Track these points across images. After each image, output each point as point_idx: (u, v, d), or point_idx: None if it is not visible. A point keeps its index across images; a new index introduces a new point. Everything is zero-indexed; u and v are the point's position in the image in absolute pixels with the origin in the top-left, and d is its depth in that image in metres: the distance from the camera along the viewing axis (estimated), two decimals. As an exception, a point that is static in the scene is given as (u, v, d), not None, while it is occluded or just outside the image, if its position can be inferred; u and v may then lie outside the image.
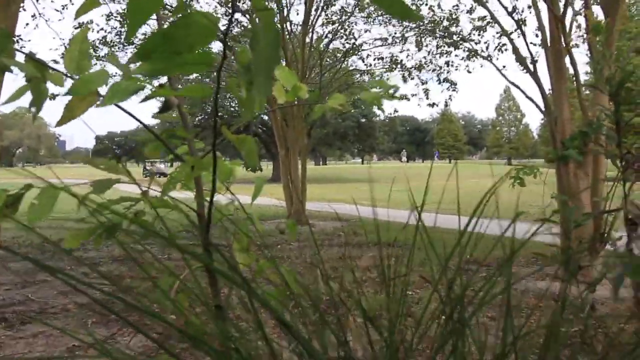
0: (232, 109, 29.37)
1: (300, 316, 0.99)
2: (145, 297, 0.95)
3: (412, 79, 12.03)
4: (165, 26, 0.58)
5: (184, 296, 0.84)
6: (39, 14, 10.32)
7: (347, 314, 0.98)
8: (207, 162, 0.89)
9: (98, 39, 11.38)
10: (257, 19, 0.52)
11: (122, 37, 11.06)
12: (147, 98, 0.73)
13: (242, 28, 10.80)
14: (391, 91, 1.25)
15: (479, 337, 0.93)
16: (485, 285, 0.86)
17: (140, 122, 0.93)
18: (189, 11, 0.56)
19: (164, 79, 0.93)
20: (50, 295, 5.01)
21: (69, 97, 0.77)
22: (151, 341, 0.87)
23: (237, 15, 10.39)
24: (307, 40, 11.34)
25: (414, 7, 10.32)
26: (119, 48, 11.50)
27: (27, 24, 10.81)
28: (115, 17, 11.06)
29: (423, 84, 12.11)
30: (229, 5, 10.59)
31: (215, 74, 0.70)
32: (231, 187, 1.17)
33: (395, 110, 25.63)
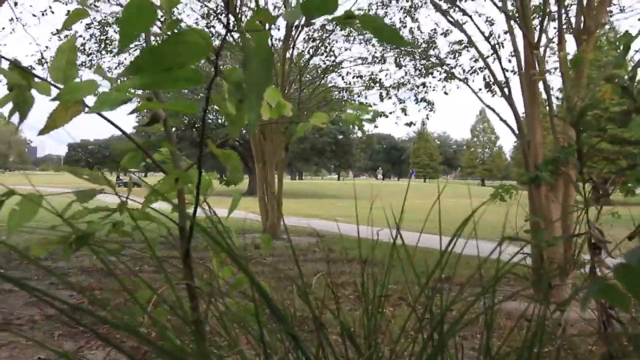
0: (209, 121, 29.24)
1: (277, 332, 0.99)
2: (117, 310, 0.94)
3: (390, 98, 12.20)
4: (155, 40, 0.59)
5: (162, 311, 0.83)
6: (17, 18, 10.15)
7: (324, 330, 0.98)
8: (190, 175, 0.89)
9: (77, 47, 11.22)
10: (249, 39, 0.53)
11: (101, 45, 10.94)
12: (135, 110, 0.73)
13: (227, 42, 10.80)
14: (370, 116, 1.27)
15: (456, 357, 0.95)
16: (467, 307, 0.87)
17: (124, 133, 0.93)
18: (180, 27, 0.57)
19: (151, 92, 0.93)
20: (16, 305, 4.86)
21: (46, 105, 0.77)
22: (123, 354, 0.86)
23: (222, 31, 10.40)
24: (288, 55, 11.41)
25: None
26: (96, 56, 11.38)
27: (3, 28, 10.62)
28: (95, 25, 10.96)
29: (400, 102, 12.29)
30: (210, 18, 10.60)
31: (205, 89, 0.71)
32: (214, 202, 1.17)
33: (375, 126, 25.83)
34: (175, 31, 0.57)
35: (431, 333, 0.81)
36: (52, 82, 0.74)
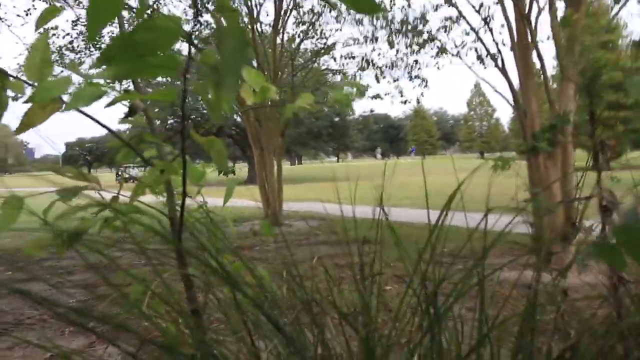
0: (204, 111, 29.12)
1: (278, 316, 0.99)
2: (118, 305, 0.93)
3: (384, 77, 12.12)
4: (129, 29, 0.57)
5: (158, 302, 0.83)
6: (1, 19, 10.03)
7: (324, 313, 0.98)
8: (176, 166, 0.88)
9: (64, 45, 11.12)
10: (222, 20, 0.51)
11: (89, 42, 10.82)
12: (111, 103, 0.71)
13: (212, 30, 10.72)
14: (356, 91, 1.25)
15: (455, 329, 0.95)
16: (461, 278, 0.87)
17: (106, 128, 0.91)
18: (151, 13, 0.56)
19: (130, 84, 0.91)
20: (23, 305, 4.89)
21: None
22: (124, 352, 0.86)
23: (207, 17, 10.30)
24: (278, 41, 11.31)
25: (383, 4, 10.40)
26: (85, 54, 11.27)
27: (-12, 29, 10.50)
28: (82, 22, 10.82)
29: (395, 81, 12.21)
30: (198, 6, 10.47)
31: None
32: (206, 191, 1.16)
33: (372, 110, 25.58)
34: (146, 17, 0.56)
35: (426, 307, 0.81)
36: (27, 81, 0.73)
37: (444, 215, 0.94)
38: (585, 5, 5.75)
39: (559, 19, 5.71)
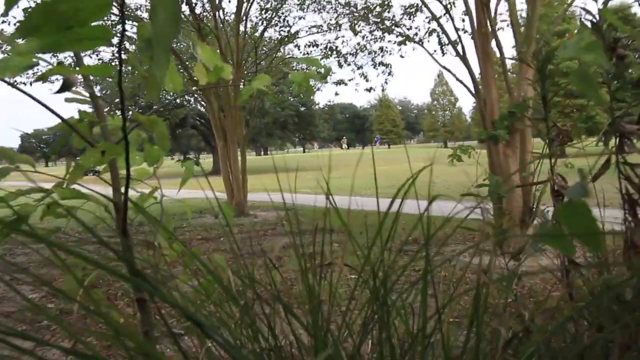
0: (167, 99, 28.50)
1: (226, 307, 0.97)
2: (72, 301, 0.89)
3: (348, 64, 12.12)
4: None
5: (99, 292, 0.79)
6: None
7: (274, 305, 0.96)
8: (122, 147, 0.84)
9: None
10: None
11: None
12: (42, 76, 0.67)
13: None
14: (323, 71, 1.23)
15: (407, 315, 0.94)
16: (407, 264, 0.86)
17: (50, 110, 0.86)
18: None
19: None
20: (-27, 304, 4.69)
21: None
22: (65, 353, 0.81)
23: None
24: (241, 29, 11.14)
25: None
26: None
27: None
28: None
29: (359, 68, 12.23)
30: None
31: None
32: (173, 184, 1.12)
33: (336, 93, 25.68)
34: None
35: (375, 296, 0.80)
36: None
37: (397, 203, 0.92)
38: (543, -4, 5.87)
39: (517, 4, 5.82)
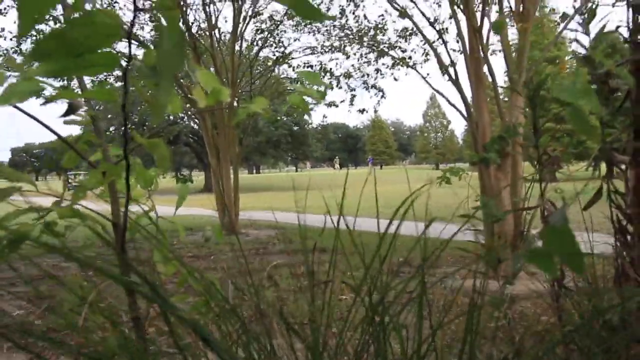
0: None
1: (223, 325, 0.97)
2: (60, 318, 0.89)
3: (340, 87, 12.24)
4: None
5: (95, 312, 0.80)
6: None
7: (271, 323, 0.97)
8: (121, 168, 0.85)
9: (12, 48, 10.67)
10: (162, 19, 0.50)
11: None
12: (48, 100, 0.68)
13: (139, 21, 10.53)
14: (321, 88, 1.24)
15: (402, 336, 0.95)
16: (403, 286, 0.87)
17: (48, 128, 0.87)
18: (89, 8, 0.53)
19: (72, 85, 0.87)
20: (-41, 320, 4.61)
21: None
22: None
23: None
24: (237, 48, 11.25)
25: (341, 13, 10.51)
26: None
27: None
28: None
29: (351, 90, 12.35)
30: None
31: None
32: (162, 200, 1.13)
33: (324, 116, 25.80)
34: (82, 12, 0.54)
35: (372, 316, 0.81)
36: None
37: (395, 225, 0.94)
38: (533, 22, 6.00)
39: (509, 31, 5.93)
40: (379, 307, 0.82)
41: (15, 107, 0.87)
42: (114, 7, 9.73)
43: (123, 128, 0.73)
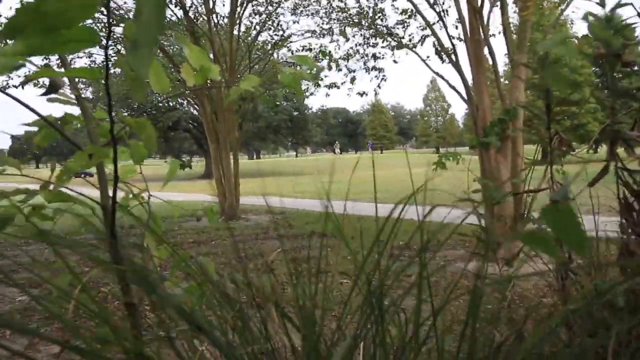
0: (160, 104, 28.40)
1: (219, 310, 0.95)
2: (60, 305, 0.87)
3: (340, 70, 12.12)
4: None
5: (86, 297, 0.78)
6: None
7: (269, 309, 0.95)
8: (109, 150, 0.82)
9: None
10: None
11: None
12: (28, 79, 0.65)
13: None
14: (314, 70, 1.21)
15: (400, 322, 0.94)
16: (402, 269, 0.85)
17: (33, 110, 0.84)
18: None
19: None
20: (-40, 307, 4.63)
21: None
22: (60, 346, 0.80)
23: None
24: (235, 32, 11.13)
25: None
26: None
27: None
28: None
29: (351, 72, 12.23)
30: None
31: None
32: (163, 187, 1.10)
33: (327, 95, 25.66)
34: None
35: (370, 302, 0.79)
36: None
37: (396, 210, 0.92)
38: (535, 3, 5.91)
39: (509, 15, 5.85)
40: (377, 291, 0.80)
41: (2, 91, 0.84)
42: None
43: (108, 108, 0.70)
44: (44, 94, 0.77)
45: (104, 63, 0.63)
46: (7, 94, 0.82)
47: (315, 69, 1.20)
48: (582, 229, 0.58)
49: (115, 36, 8.49)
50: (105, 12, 0.57)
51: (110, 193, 0.85)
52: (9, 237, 0.98)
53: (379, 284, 0.81)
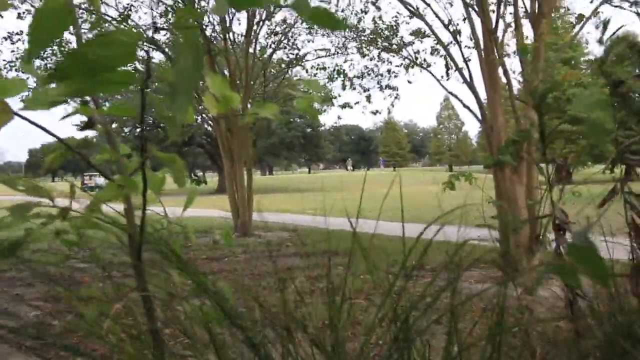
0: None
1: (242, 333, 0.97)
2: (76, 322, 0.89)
3: (354, 89, 12.21)
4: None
5: (114, 326, 0.80)
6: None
7: (292, 332, 0.96)
8: (137, 180, 0.85)
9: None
10: (178, 36, 0.50)
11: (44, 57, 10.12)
12: (67, 116, 0.69)
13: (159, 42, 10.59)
14: (324, 93, 1.24)
15: (424, 350, 0.94)
16: (433, 299, 0.86)
17: (52, 134, 0.87)
18: (122, 19, 0.53)
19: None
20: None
21: None
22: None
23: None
24: (251, 50, 11.29)
25: (352, 18, 10.51)
26: (51, 60, 10.90)
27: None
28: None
29: (365, 91, 12.30)
30: (169, 16, 10.33)
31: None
32: (175, 202, 1.13)
33: (339, 117, 25.82)
34: (99, 31, 0.54)
35: (397, 333, 0.80)
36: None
37: (420, 230, 0.93)
38: (549, 23, 5.93)
39: (524, 35, 5.87)
40: (405, 325, 0.81)
41: (20, 116, 0.87)
42: (130, 11, 9.82)
43: (141, 143, 0.74)
44: (81, 129, 0.81)
45: (140, 102, 0.67)
46: (25, 118, 0.86)
47: (323, 92, 1.23)
48: (606, 267, 0.59)
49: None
50: (145, 62, 0.60)
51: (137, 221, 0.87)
52: (34, 260, 1.00)
53: (406, 316, 0.82)
